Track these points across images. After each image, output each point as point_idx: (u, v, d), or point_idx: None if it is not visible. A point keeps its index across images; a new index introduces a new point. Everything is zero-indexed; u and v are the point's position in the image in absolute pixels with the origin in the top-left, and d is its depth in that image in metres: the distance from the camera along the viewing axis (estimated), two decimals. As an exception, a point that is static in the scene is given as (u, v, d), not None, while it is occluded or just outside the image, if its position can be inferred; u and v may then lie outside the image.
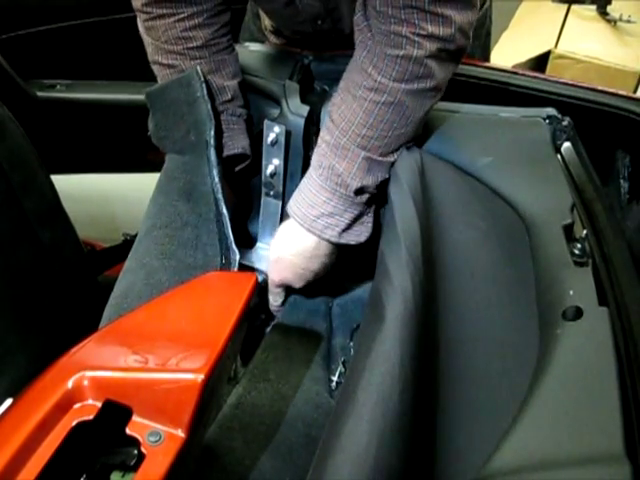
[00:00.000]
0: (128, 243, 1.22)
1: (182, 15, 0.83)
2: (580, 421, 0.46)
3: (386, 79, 0.70)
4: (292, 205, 0.79)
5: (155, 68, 0.89)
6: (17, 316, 0.83)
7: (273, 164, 0.88)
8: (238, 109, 0.91)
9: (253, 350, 0.77)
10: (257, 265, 0.90)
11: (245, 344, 0.73)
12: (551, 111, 0.85)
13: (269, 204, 0.92)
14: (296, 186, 0.81)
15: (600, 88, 0.99)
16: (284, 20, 1.03)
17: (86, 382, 0.46)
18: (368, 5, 0.71)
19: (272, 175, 0.89)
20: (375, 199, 0.79)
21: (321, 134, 0.78)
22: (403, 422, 0.49)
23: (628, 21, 2.34)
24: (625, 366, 0.54)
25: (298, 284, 0.83)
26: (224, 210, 0.79)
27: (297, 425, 0.67)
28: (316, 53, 0.97)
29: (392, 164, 0.75)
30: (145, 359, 0.49)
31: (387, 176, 0.76)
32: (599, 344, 0.52)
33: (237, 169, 0.94)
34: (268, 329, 0.86)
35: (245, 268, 0.86)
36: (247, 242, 0.95)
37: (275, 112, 0.91)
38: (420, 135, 0.79)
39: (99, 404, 0.46)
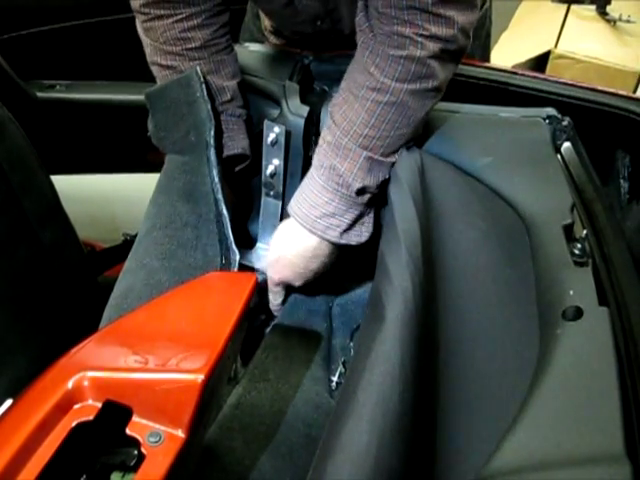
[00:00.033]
0: (128, 243, 1.22)
1: (181, 16, 0.83)
2: (580, 421, 0.46)
3: (389, 79, 0.70)
4: (293, 205, 0.79)
5: (154, 69, 0.89)
6: (17, 316, 0.83)
7: (273, 164, 0.88)
8: (238, 109, 0.91)
9: (253, 350, 0.77)
10: (257, 265, 0.90)
11: (245, 344, 0.73)
12: (551, 111, 0.85)
13: (269, 204, 0.92)
14: (296, 186, 0.81)
15: (600, 88, 0.99)
16: (283, 20, 1.03)
17: (86, 382, 0.46)
18: (369, 6, 0.72)
19: (272, 175, 0.89)
20: (376, 199, 0.79)
21: (322, 134, 0.78)
22: (403, 422, 0.49)
23: (628, 21, 2.34)
24: (625, 366, 0.54)
25: (298, 283, 0.83)
26: (224, 210, 0.79)
27: (297, 425, 0.67)
28: (316, 53, 0.97)
29: (393, 164, 0.75)
30: (145, 359, 0.49)
31: (388, 176, 0.76)
32: (599, 344, 0.52)
33: (237, 169, 0.94)
34: (268, 329, 0.86)
35: (245, 268, 0.86)
36: (247, 242, 0.95)
37: (275, 112, 0.91)
38: (420, 135, 0.79)
39: (99, 404, 0.46)
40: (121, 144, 1.41)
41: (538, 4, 2.54)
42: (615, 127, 0.96)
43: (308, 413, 0.69)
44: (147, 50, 0.88)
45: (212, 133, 0.83)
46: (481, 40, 1.24)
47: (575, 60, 2.20)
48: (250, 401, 0.68)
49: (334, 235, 0.77)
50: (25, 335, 0.84)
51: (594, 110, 0.96)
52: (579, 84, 1.00)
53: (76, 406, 0.46)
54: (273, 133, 0.85)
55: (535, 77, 1.03)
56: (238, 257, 0.77)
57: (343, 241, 0.78)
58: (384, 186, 0.76)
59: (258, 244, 0.95)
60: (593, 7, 2.33)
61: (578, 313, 0.55)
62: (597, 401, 0.47)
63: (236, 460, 0.62)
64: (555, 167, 0.77)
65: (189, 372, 0.47)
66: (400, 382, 0.51)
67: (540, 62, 2.24)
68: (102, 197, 1.65)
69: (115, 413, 0.46)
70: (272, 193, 0.91)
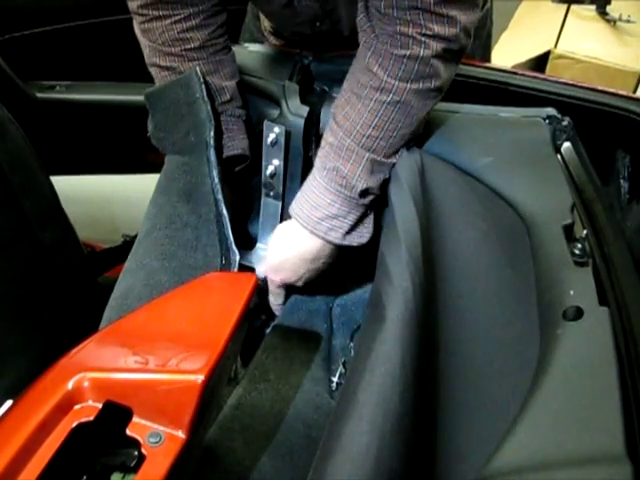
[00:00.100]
0: (128, 244, 1.22)
1: (179, 17, 0.83)
2: (581, 421, 0.46)
3: (392, 78, 0.70)
4: (295, 207, 0.79)
5: (153, 70, 0.89)
6: (17, 317, 0.83)
7: (273, 165, 0.88)
8: (237, 110, 0.91)
9: (253, 351, 0.77)
10: (257, 266, 0.90)
11: (245, 345, 0.73)
12: (551, 111, 0.85)
13: (269, 205, 0.92)
14: (296, 187, 0.81)
15: (600, 88, 0.99)
16: (283, 21, 1.03)
17: (86, 383, 0.46)
18: (370, 7, 0.71)
19: (272, 176, 0.89)
20: (377, 200, 0.79)
21: (325, 136, 0.78)
22: (404, 423, 0.49)
23: (628, 21, 2.34)
24: (626, 366, 0.54)
25: (299, 283, 0.83)
26: (224, 211, 0.79)
27: (297, 426, 0.67)
28: (316, 54, 0.97)
29: (394, 165, 0.75)
30: (145, 360, 0.49)
31: (389, 177, 0.76)
32: (600, 344, 0.52)
33: (237, 170, 0.94)
34: (268, 330, 0.86)
35: (245, 269, 0.86)
36: (247, 243, 0.95)
37: (275, 113, 0.91)
38: (420, 135, 0.79)
39: (99, 405, 0.46)
40: (121, 145, 1.41)
41: (538, 4, 2.54)
42: (615, 127, 0.97)
43: (308, 414, 0.69)
44: (145, 52, 0.88)
45: (212, 133, 0.82)
46: (482, 40, 1.24)
47: (575, 60, 2.20)
48: (250, 402, 0.68)
49: (336, 237, 0.77)
50: (25, 336, 0.84)
51: (594, 110, 0.96)
52: (579, 84, 1.00)
53: (76, 407, 0.46)
54: (273, 133, 0.85)
55: (535, 77, 1.04)
56: (238, 257, 0.77)
57: (345, 242, 0.78)
58: (385, 186, 0.76)
59: (258, 244, 0.95)
60: (593, 7, 2.33)
61: (578, 313, 0.55)
62: (597, 401, 0.47)
63: (236, 461, 0.62)
64: (555, 167, 0.77)
65: (189, 373, 0.47)
66: (400, 382, 0.51)
67: (540, 62, 2.24)
68: (102, 198, 1.65)
69: (115, 414, 0.46)
70: (272, 194, 0.91)
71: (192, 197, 0.84)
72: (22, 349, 0.83)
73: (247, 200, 0.99)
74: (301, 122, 0.86)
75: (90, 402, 0.46)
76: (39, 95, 1.32)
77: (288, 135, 0.86)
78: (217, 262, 0.80)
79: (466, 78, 1.01)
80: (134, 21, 0.87)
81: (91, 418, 0.45)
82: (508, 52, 2.30)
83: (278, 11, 0.94)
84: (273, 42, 1.12)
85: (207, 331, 0.54)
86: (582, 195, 0.77)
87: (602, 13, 2.35)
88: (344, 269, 0.86)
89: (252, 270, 0.89)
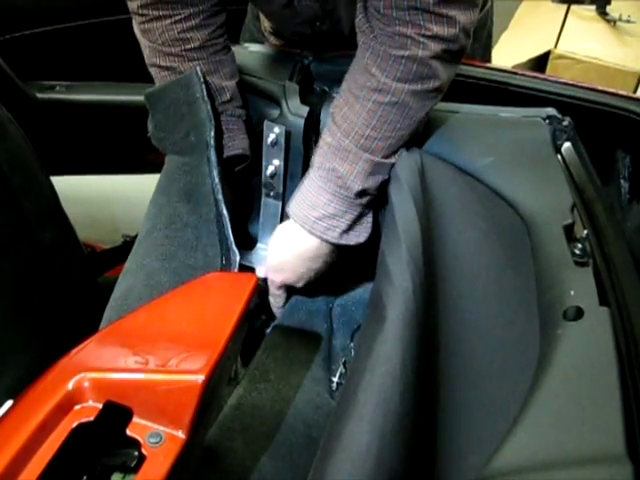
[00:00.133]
0: (128, 244, 1.22)
1: (179, 17, 0.83)
2: (581, 421, 0.46)
3: (390, 79, 0.70)
4: (292, 206, 0.79)
5: (153, 71, 0.89)
6: (17, 317, 0.83)
7: (273, 165, 0.88)
8: (237, 110, 0.91)
9: (253, 351, 0.77)
10: (257, 266, 0.90)
11: (245, 345, 0.73)
12: (551, 111, 0.85)
13: (269, 205, 0.92)
14: (296, 187, 0.81)
15: (600, 88, 0.99)
16: (283, 22, 1.03)
17: (87, 383, 0.46)
18: (369, 7, 0.71)
19: (272, 176, 0.89)
20: (375, 200, 0.79)
21: (323, 136, 0.78)
22: (404, 423, 0.49)
23: (628, 21, 2.34)
24: (626, 366, 0.54)
25: (300, 284, 0.83)
26: (224, 211, 0.79)
27: (298, 426, 0.67)
28: (316, 54, 0.97)
29: (392, 165, 0.75)
30: (145, 360, 0.49)
31: (388, 177, 0.76)
32: (600, 344, 0.52)
33: (237, 170, 0.94)
34: (268, 330, 0.86)
35: (245, 269, 0.86)
36: (247, 243, 0.95)
37: (275, 113, 0.91)
38: (420, 135, 0.79)
39: (100, 405, 0.46)
40: (121, 145, 1.41)
41: (538, 4, 2.54)
42: (615, 127, 0.96)
43: (309, 414, 0.69)
44: (145, 52, 0.88)
45: (212, 133, 0.82)
46: (482, 41, 1.24)
47: (575, 60, 2.20)
48: (250, 402, 0.68)
49: (333, 236, 0.77)
50: (25, 336, 0.84)
51: (594, 110, 0.96)
52: (579, 84, 1.00)
53: (76, 407, 0.46)
54: (273, 133, 0.85)
55: (535, 77, 1.03)
56: (238, 257, 0.77)
57: (342, 242, 0.78)
58: (384, 187, 0.76)
59: (258, 244, 0.95)
60: (593, 7, 2.33)
61: (579, 313, 0.55)
62: (598, 401, 0.47)
63: (237, 461, 0.62)
64: (555, 167, 0.77)
65: (189, 373, 0.47)
66: (401, 382, 0.51)
67: (540, 62, 2.23)
68: (102, 198, 1.65)
69: (115, 414, 0.46)
70: (272, 194, 0.91)
71: (192, 197, 0.84)
72: (22, 349, 0.83)
73: (247, 200, 0.99)
74: (301, 122, 0.86)
75: (90, 402, 0.46)
76: (39, 95, 1.31)
77: (288, 135, 0.86)
78: (217, 262, 0.80)
79: (466, 78, 1.01)
80: (134, 21, 0.87)
81: (91, 418, 0.45)
82: (508, 52, 2.30)
83: (278, 11, 0.94)
84: (273, 42, 1.12)
85: (207, 331, 0.54)
86: (582, 195, 0.77)
87: (602, 13, 2.35)
88: (344, 269, 0.86)
89: (252, 270, 0.89)
